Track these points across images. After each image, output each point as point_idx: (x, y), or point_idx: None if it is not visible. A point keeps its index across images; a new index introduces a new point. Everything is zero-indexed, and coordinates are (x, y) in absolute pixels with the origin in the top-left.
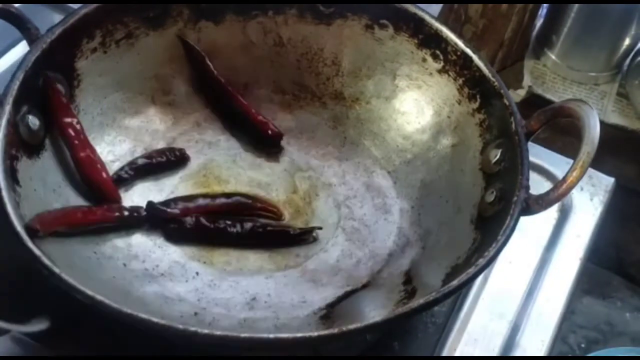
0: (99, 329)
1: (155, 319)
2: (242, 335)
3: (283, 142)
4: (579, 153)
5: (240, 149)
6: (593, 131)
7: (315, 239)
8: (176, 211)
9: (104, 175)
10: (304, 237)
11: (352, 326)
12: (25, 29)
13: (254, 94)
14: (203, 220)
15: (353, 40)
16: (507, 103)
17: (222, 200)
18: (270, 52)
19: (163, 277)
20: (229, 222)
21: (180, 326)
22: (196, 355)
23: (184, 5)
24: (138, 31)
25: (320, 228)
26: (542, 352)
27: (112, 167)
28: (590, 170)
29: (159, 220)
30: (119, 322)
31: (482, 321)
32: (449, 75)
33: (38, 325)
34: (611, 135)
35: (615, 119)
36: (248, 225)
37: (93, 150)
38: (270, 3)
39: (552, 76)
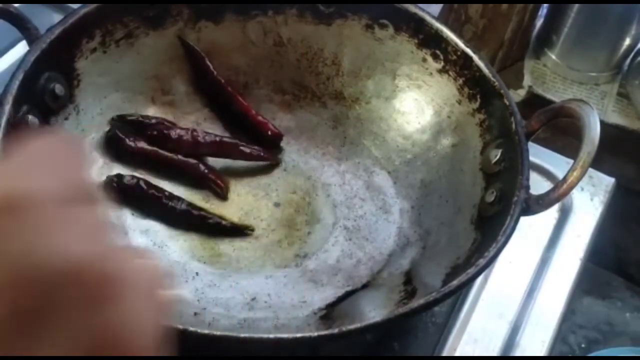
0: None
1: None
2: (242, 335)
3: (283, 142)
4: (579, 153)
5: None
6: (593, 131)
7: (248, 235)
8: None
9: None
10: (235, 231)
11: (352, 326)
12: (25, 29)
13: (253, 94)
14: (142, 183)
15: (353, 40)
16: (508, 103)
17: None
18: (270, 52)
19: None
20: (167, 194)
21: (180, 326)
22: (196, 355)
23: (184, 5)
24: (138, 31)
25: (252, 230)
26: (542, 352)
27: (113, 169)
28: (591, 170)
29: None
30: None
31: (482, 321)
32: (449, 75)
33: None
34: (611, 135)
35: (615, 119)
36: (183, 205)
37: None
38: (270, 3)
39: (553, 76)
